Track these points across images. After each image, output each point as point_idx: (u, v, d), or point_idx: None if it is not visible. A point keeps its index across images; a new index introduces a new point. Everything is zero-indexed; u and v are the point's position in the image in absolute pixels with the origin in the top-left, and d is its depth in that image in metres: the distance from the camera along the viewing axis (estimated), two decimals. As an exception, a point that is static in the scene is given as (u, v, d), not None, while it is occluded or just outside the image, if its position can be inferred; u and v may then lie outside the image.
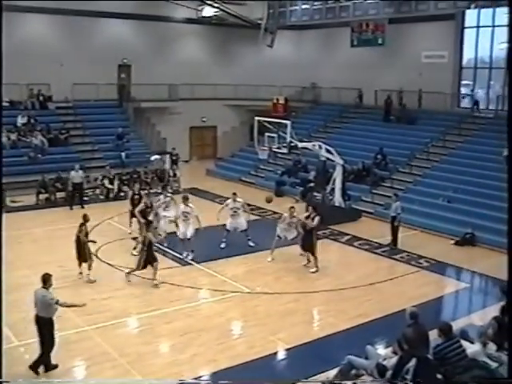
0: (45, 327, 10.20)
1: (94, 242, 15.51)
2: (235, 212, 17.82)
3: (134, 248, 17.00)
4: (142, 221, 16.79)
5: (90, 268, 14.86)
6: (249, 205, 21.62)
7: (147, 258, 14.53)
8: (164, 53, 33.11)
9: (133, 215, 18.54)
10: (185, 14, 33.00)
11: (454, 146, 25.35)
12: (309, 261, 16.39)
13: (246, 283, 14.93)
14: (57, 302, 10.14)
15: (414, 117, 28.49)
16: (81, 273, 14.94)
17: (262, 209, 21.93)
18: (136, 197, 19.11)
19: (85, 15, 30.06)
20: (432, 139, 26.29)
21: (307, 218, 16.29)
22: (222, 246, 17.55)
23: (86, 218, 15.07)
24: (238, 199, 18.09)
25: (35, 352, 11.02)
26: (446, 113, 27.96)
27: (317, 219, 16.06)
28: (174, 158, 28.53)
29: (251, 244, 17.79)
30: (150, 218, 17.06)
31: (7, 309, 12.70)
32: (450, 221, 20.16)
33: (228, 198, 18.43)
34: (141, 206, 17.45)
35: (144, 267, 14.60)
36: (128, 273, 14.98)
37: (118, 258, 16.48)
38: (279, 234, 16.96)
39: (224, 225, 17.86)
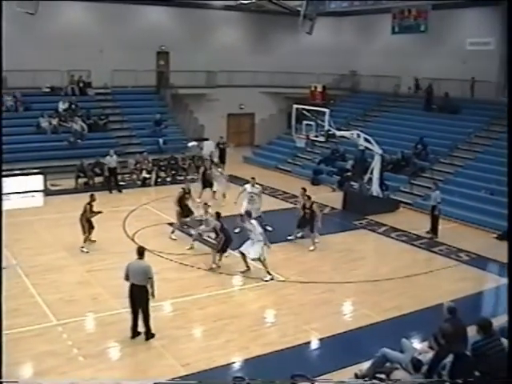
0: (143, 295, 10.84)
1: (101, 212, 16.39)
2: (252, 197, 17.94)
3: (172, 232, 17.41)
4: (177, 209, 17.40)
5: (85, 241, 15.99)
6: (285, 193, 21.53)
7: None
8: (202, 40, 33.10)
9: (205, 186, 21.55)
10: (223, 0, 32.90)
11: (499, 136, 24.61)
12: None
13: (280, 271, 14.86)
14: (150, 277, 10.89)
15: (458, 106, 27.85)
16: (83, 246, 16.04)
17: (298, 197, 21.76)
18: (208, 172, 21.82)
19: (124, 2, 30.27)
20: (476, 129, 25.71)
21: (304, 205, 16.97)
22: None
23: (92, 198, 16.16)
24: (257, 185, 18.43)
25: (73, 331, 11.31)
26: (491, 102, 27.23)
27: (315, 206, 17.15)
28: (222, 146, 28.41)
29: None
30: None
31: (46, 289, 13.13)
32: (492, 214, 19.64)
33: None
34: (179, 192, 17.80)
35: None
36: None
37: (154, 242, 16.53)
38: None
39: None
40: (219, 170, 22.71)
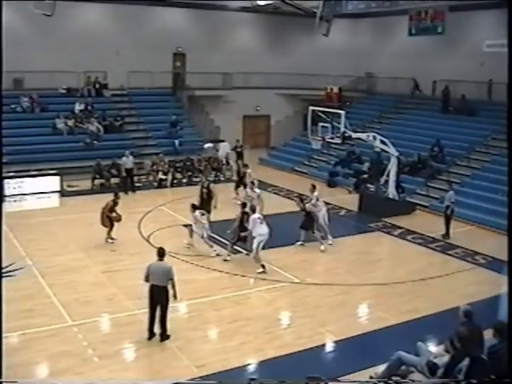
0: (163, 296, 10.88)
1: (119, 218, 16.79)
2: (250, 201, 18.12)
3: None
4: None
5: (108, 233, 16.71)
6: (301, 194, 21.52)
7: None
8: (218, 41, 33.18)
9: (238, 186, 22.21)
10: (240, 2, 33.00)
11: (517, 138, 24.45)
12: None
13: (296, 273, 14.85)
14: (171, 278, 11.00)
15: (475, 108, 27.63)
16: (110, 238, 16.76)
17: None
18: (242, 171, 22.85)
19: (141, 4, 30.44)
20: (493, 132, 25.49)
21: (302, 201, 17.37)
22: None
23: (117, 196, 16.98)
24: (256, 189, 19.02)
25: (89, 332, 11.37)
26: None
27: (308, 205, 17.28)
28: (239, 150, 28.33)
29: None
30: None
31: (62, 290, 13.20)
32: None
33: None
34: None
35: None
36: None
37: (170, 243, 16.53)
38: None
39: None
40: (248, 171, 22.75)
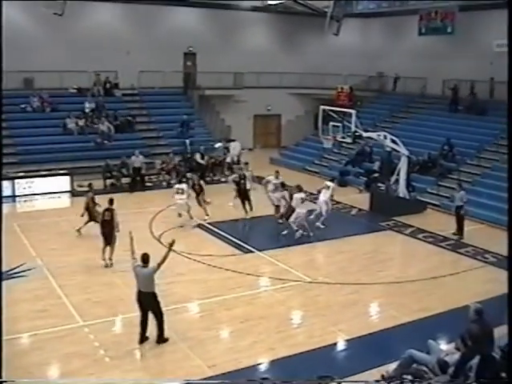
0: (151, 302, 10.82)
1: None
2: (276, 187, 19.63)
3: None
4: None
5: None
6: (312, 194, 21.51)
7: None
8: (229, 41, 33.25)
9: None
10: (251, 2, 33.03)
11: (527, 137, 24.33)
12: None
13: (307, 272, 14.87)
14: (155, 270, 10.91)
15: (485, 107, 27.52)
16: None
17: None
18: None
19: (152, 3, 30.56)
20: (503, 130, 25.32)
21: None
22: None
23: (111, 203, 15.56)
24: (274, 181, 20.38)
25: (100, 332, 11.40)
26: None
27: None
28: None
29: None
30: None
31: (73, 290, 13.27)
32: (520, 215, 19.37)
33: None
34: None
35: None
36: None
37: (180, 243, 16.56)
38: None
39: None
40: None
